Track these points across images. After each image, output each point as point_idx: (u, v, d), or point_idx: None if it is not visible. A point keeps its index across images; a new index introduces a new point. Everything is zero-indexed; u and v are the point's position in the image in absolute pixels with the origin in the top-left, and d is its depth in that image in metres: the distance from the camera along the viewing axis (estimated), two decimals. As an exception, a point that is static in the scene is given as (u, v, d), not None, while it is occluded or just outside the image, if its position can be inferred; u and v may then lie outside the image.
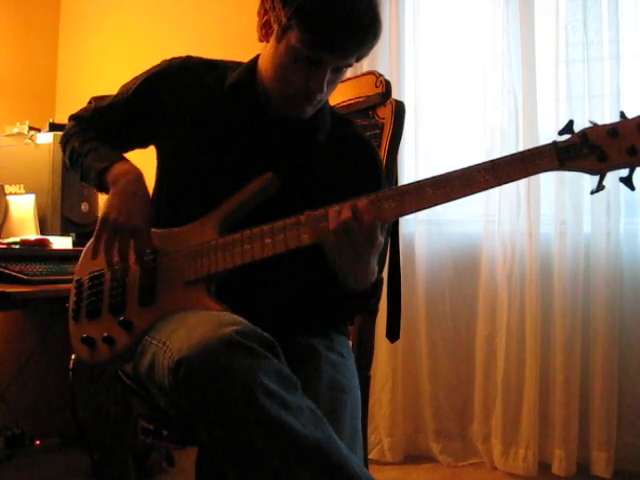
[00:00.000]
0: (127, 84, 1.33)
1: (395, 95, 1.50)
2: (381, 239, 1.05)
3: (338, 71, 1.14)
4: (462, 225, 2.51)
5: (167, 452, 2.21)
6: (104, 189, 1.24)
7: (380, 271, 1.22)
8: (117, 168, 1.21)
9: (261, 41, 1.21)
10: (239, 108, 1.23)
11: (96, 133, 1.32)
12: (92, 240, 1.22)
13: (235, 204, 1.17)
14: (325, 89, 1.13)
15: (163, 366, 0.96)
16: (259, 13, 1.17)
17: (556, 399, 2.27)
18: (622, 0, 2.27)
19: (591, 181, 1.03)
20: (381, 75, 1.49)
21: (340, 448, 0.89)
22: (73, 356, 1.28)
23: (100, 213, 1.19)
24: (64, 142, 1.36)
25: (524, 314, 2.33)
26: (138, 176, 1.21)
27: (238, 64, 1.27)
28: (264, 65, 1.18)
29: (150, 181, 1.33)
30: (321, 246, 1.06)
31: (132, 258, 1.17)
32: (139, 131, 1.31)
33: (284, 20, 1.07)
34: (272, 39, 1.13)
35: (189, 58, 1.29)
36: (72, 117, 1.40)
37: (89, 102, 1.39)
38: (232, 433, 0.86)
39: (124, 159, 1.25)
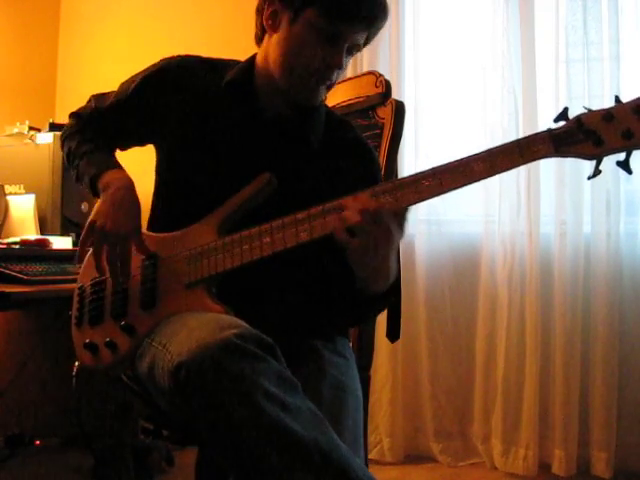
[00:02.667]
0: (126, 82, 1.33)
1: (395, 95, 1.50)
2: (396, 232, 1.03)
3: (349, 54, 1.16)
4: (462, 225, 2.51)
5: (167, 452, 2.21)
6: (96, 194, 1.24)
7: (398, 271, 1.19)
8: (109, 175, 1.22)
9: (259, 42, 1.22)
10: (235, 107, 1.23)
11: (94, 133, 1.32)
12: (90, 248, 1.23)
13: (233, 206, 1.16)
14: (343, 65, 1.15)
15: (163, 369, 0.96)
16: (260, 8, 1.18)
17: (556, 399, 2.27)
18: (622, 0, 2.27)
19: (591, 182, 1.03)
20: (381, 75, 1.49)
21: (341, 449, 0.89)
22: (77, 363, 1.28)
23: (88, 219, 1.18)
24: (62, 140, 1.37)
25: (524, 314, 2.32)
26: (129, 184, 1.21)
27: (236, 63, 1.28)
28: (271, 56, 1.18)
29: (149, 183, 1.34)
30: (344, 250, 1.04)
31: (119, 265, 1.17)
32: (137, 130, 1.32)
33: (297, 1, 1.11)
34: (282, 27, 1.14)
35: (187, 57, 1.29)
36: (72, 115, 1.40)
37: (89, 100, 1.39)
38: (232, 436, 0.86)
39: (117, 166, 1.25)
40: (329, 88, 1.20)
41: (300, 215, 1.07)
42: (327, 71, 1.15)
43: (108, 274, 1.19)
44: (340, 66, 1.14)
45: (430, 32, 2.53)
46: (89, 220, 1.18)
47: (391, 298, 1.20)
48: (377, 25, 1.15)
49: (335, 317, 1.28)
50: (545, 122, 2.29)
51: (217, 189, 1.18)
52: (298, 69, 1.15)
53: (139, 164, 1.43)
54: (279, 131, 1.23)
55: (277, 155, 1.23)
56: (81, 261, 1.22)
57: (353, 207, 1.00)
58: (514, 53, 2.38)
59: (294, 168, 1.23)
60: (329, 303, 1.25)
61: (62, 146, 1.37)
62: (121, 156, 1.36)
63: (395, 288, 1.18)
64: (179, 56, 1.29)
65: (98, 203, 1.20)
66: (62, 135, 1.38)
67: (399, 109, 1.44)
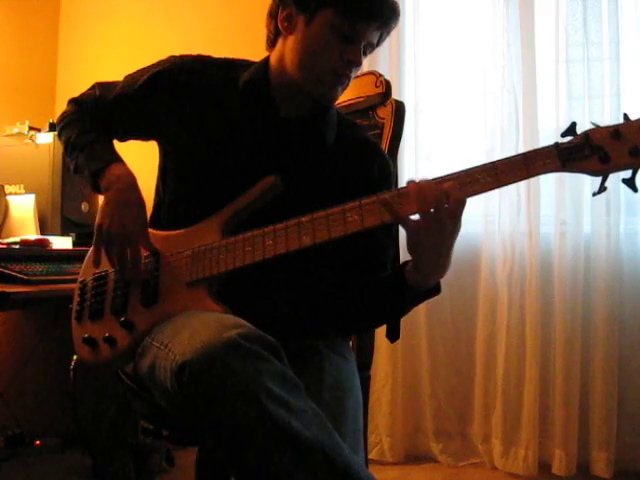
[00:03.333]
0: (133, 75, 1.31)
1: (395, 95, 1.50)
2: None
3: (364, 53, 1.17)
4: (462, 225, 2.50)
5: (167, 452, 2.21)
6: (97, 190, 1.23)
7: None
8: (110, 172, 1.20)
9: (271, 46, 1.23)
10: (250, 107, 1.23)
11: (96, 122, 1.30)
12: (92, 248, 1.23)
13: (238, 207, 1.17)
14: (361, 62, 1.16)
15: (165, 369, 0.96)
16: (273, 12, 1.20)
17: (556, 399, 2.27)
18: (622, 0, 2.27)
19: (592, 181, 1.03)
20: (381, 75, 1.49)
21: (343, 450, 0.89)
22: (75, 357, 1.28)
23: (95, 222, 1.18)
24: (61, 126, 1.34)
25: (524, 314, 2.32)
26: (131, 181, 1.20)
27: (248, 63, 1.28)
28: (288, 57, 1.19)
29: (149, 178, 1.34)
30: (408, 238, 1.04)
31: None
32: (142, 125, 1.31)
33: (313, 3, 1.13)
34: (298, 28, 1.16)
35: (199, 56, 1.29)
36: (73, 101, 1.37)
37: (92, 87, 1.36)
38: (236, 436, 0.86)
39: (118, 160, 1.24)
40: (345, 87, 1.21)
41: (304, 219, 1.07)
42: (345, 69, 1.16)
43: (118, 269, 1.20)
44: (359, 63, 1.16)
45: (430, 32, 2.53)
46: (97, 223, 1.18)
47: (431, 297, 1.16)
48: (391, 24, 1.17)
49: (348, 320, 1.26)
50: (545, 122, 2.33)
51: (229, 189, 1.18)
52: (317, 68, 1.16)
53: (139, 161, 1.42)
54: (294, 130, 1.24)
55: (292, 154, 1.23)
56: (98, 264, 1.22)
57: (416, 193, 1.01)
58: (514, 53, 2.38)
59: (309, 167, 1.23)
60: (337, 307, 1.25)
61: (59, 133, 1.34)
62: (121, 149, 1.34)
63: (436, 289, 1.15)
64: (191, 55, 1.29)
65: (103, 204, 1.19)
66: (60, 121, 1.34)
67: (399, 109, 1.44)
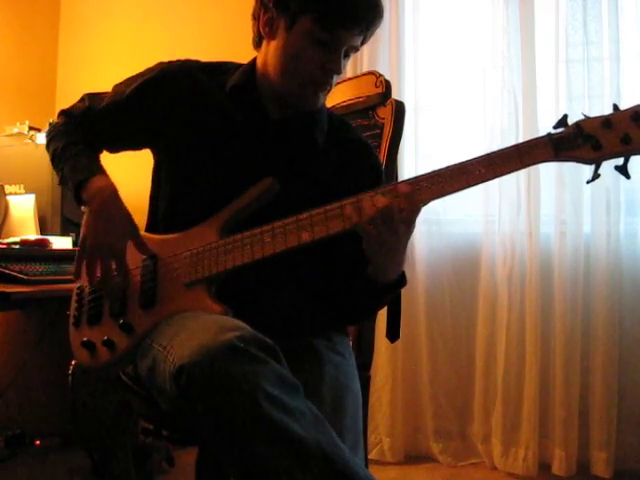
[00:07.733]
0: (121, 85, 1.31)
1: (395, 95, 1.51)
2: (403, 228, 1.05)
3: (346, 56, 1.17)
4: (462, 225, 2.51)
5: (167, 452, 2.21)
6: (80, 202, 1.22)
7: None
8: (93, 184, 1.19)
9: (257, 47, 1.23)
10: (240, 110, 1.23)
11: (84, 133, 1.29)
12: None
13: (235, 209, 1.17)
14: (341, 70, 1.16)
15: (164, 371, 0.96)
16: (256, 15, 1.19)
17: (556, 399, 2.27)
18: (622, 0, 2.27)
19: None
20: (381, 75, 1.49)
21: (343, 451, 0.89)
22: (73, 362, 1.28)
23: (80, 234, 1.18)
24: (49, 138, 1.33)
25: (524, 314, 2.33)
26: (113, 193, 1.19)
27: (235, 65, 1.28)
28: (270, 62, 1.19)
29: (144, 183, 1.34)
30: (364, 241, 1.06)
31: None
32: (134, 135, 1.30)
33: (293, 8, 1.11)
34: (279, 34, 1.15)
35: (187, 61, 1.28)
36: (63, 112, 1.36)
37: (81, 99, 1.35)
38: (234, 439, 0.86)
39: (101, 172, 1.23)
40: (327, 93, 1.21)
41: (302, 217, 1.08)
42: (326, 77, 1.16)
43: (90, 285, 1.20)
44: (338, 72, 1.16)
45: (430, 32, 2.53)
46: (81, 236, 1.17)
47: (398, 289, 1.21)
48: (373, 27, 1.16)
49: (339, 313, 1.27)
50: (545, 122, 2.33)
51: (224, 192, 1.18)
52: (297, 77, 1.16)
53: (133, 166, 1.42)
54: (284, 133, 1.24)
55: (284, 157, 1.23)
56: (78, 276, 1.22)
57: (371, 202, 1.03)
58: (514, 53, 2.38)
59: (301, 169, 1.24)
60: (330, 301, 1.25)
61: (47, 145, 1.33)
62: (115, 157, 1.35)
63: (401, 281, 1.19)
64: (179, 61, 1.28)
65: (86, 217, 1.18)
66: (50, 132, 1.33)
67: (399, 109, 1.44)
